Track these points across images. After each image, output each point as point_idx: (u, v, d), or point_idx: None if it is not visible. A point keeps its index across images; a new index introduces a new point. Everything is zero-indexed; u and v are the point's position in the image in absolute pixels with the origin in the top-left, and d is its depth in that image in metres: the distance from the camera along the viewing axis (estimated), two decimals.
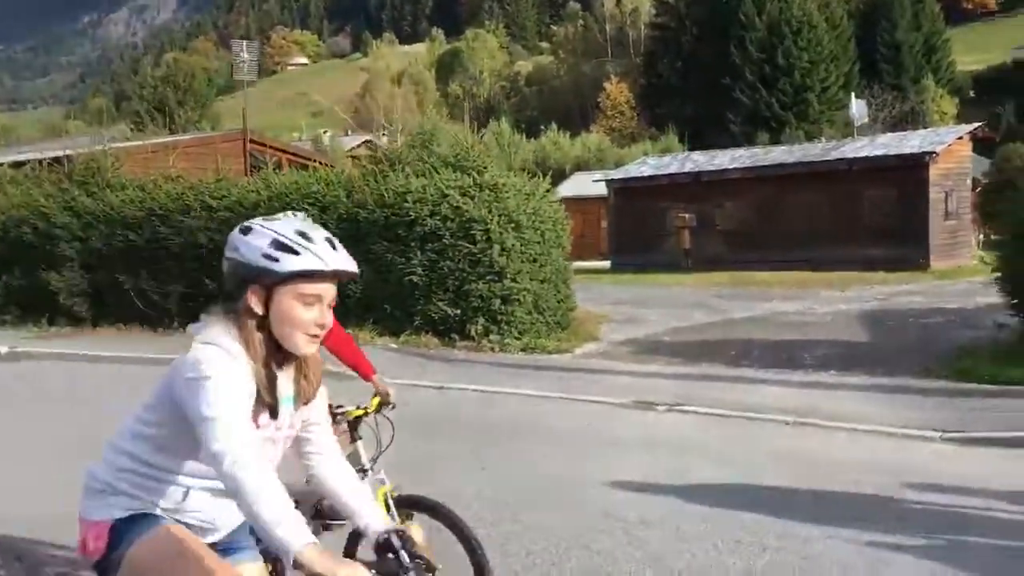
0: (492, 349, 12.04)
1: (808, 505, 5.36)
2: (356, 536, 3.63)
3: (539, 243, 12.70)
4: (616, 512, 5.22)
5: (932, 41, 65.06)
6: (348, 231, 13.29)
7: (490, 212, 12.32)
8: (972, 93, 67.57)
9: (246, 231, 2.14)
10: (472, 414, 8.42)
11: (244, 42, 33.15)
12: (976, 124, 30.11)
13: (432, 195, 12.65)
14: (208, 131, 36.97)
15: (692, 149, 41.92)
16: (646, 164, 33.11)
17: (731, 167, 28.41)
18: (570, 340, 12.58)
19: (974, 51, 75.35)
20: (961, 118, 52.72)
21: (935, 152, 24.49)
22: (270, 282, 2.08)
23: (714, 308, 16.73)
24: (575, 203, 34.99)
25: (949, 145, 25.43)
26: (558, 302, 13.08)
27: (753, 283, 21.37)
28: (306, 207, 13.70)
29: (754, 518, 5.10)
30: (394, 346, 12.33)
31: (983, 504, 5.37)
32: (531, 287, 12.48)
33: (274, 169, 16.37)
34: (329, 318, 2.13)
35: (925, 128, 36.77)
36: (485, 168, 13.20)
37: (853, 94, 37.84)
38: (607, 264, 29.39)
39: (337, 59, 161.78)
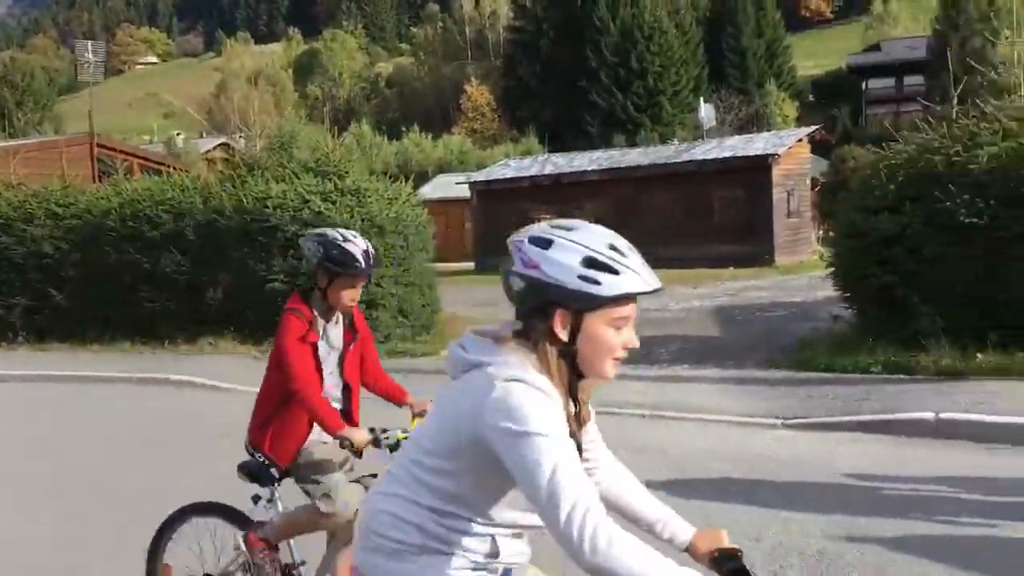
0: None
1: (661, 493, 5.67)
2: None
3: (403, 247, 12.78)
4: None
5: (774, 47, 68.51)
6: (206, 238, 13.02)
7: (352, 217, 12.31)
8: (811, 97, 71.48)
9: (545, 244, 1.83)
10: None
11: (89, 42, 31.67)
12: (814, 127, 32.07)
13: (293, 201, 12.54)
14: (51, 134, 35.13)
15: (552, 151, 42.78)
16: (508, 166, 33.59)
17: (590, 169, 29.20)
18: (436, 343, 12.69)
19: (812, 57, 79.76)
20: (802, 121, 55.76)
21: (777, 154, 25.94)
22: (583, 307, 1.80)
23: None
24: (438, 205, 35.18)
25: (790, 147, 26.97)
26: (423, 306, 13.19)
27: None
28: (161, 214, 13.34)
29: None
30: (256, 355, 12.13)
31: (821, 481, 5.84)
32: (395, 291, 12.54)
33: (125, 175, 15.80)
34: (636, 337, 1.89)
35: (769, 130, 38.78)
36: (347, 173, 13.18)
37: (702, 99, 39.54)
38: (472, 265, 29.65)
39: (189, 58, 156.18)
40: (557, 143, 51.52)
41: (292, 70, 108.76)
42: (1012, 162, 8.37)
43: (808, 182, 29.33)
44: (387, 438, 3.41)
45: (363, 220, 12.36)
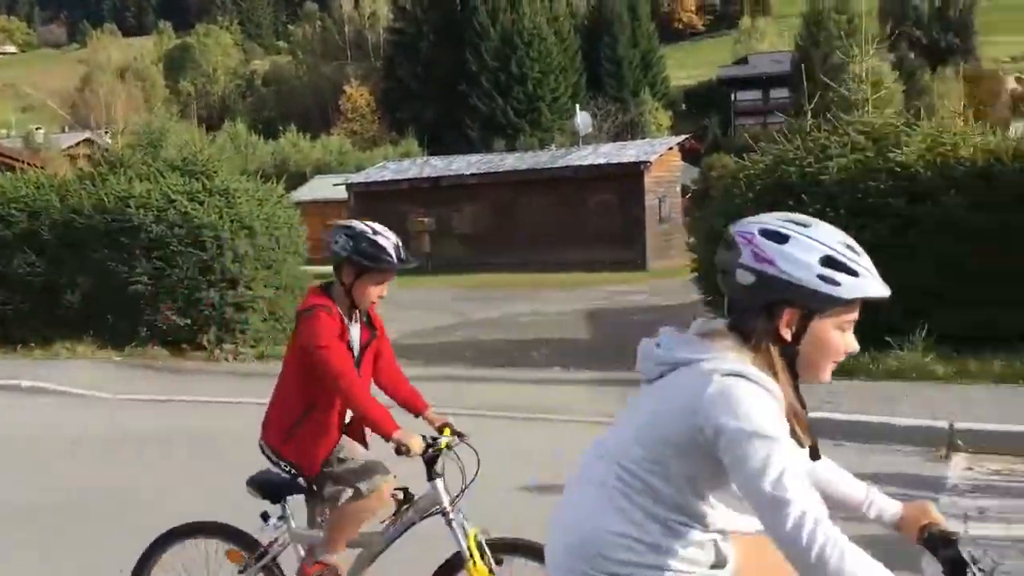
0: (226, 359, 11.77)
1: (531, 496, 5.76)
2: (450, 565, 3.30)
3: (274, 249, 12.55)
4: None
5: (649, 58, 70.42)
6: (63, 238, 12.49)
7: (221, 218, 12.05)
8: (684, 107, 73.83)
9: (781, 239, 1.74)
10: (203, 426, 8.20)
11: None
12: (684, 136, 33.18)
13: (157, 200, 12.17)
14: None
15: (432, 153, 42.78)
16: (386, 168, 33.36)
17: (468, 172, 29.32)
18: None
19: (685, 68, 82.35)
20: (675, 130, 57.44)
21: (649, 161, 26.69)
22: (817, 307, 1.73)
23: (453, 310, 17.21)
24: (316, 206, 34.57)
25: (661, 155, 27.79)
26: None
27: (490, 285, 22.18)
28: (14, 212, 12.71)
29: (483, 511, 5.40)
30: (117, 359, 11.71)
31: None
32: (266, 294, 12.31)
33: None
34: (855, 342, 1.81)
35: (644, 138, 39.86)
36: (215, 172, 12.87)
37: (578, 106, 40.27)
38: None
39: (51, 49, 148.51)
40: (437, 146, 51.51)
41: (163, 65, 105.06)
42: (859, 174, 8.87)
43: (679, 189, 30.27)
44: (435, 446, 3.25)
45: (232, 221, 12.09)
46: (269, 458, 3.46)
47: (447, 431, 3.36)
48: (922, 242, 8.57)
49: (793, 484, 1.60)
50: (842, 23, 50.32)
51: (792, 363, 1.77)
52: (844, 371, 8.45)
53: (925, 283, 8.48)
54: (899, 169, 8.75)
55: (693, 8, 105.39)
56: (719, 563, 1.86)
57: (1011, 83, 63.00)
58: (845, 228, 6.94)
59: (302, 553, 3.45)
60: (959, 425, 6.65)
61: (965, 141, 8.77)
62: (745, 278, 1.75)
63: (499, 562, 3.20)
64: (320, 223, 34.35)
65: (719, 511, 1.83)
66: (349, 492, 3.41)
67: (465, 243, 28.08)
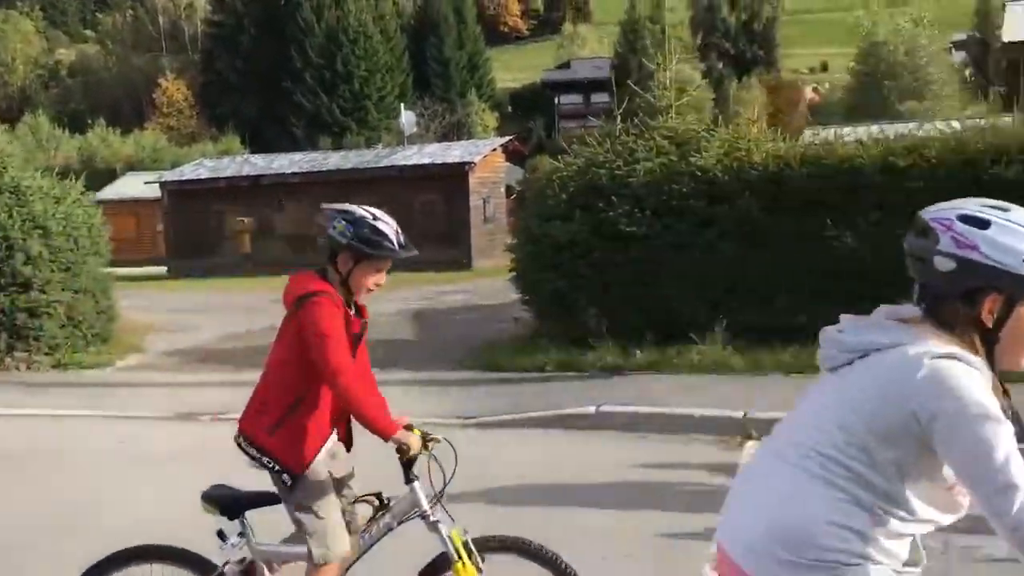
0: (17, 368, 11.01)
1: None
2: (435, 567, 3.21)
3: (72, 251, 11.82)
4: (143, 530, 5.08)
5: (475, 59, 71.20)
6: None
7: (11, 217, 11.26)
8: (510, 109, 75.01)
9: (983, 224, 1.70)
10: None
11: None
12: (508, 137, 33.66)
13: None
14: None
15: (254, 150, 41.56)
16: (203, 166, 32.09)
17: (291, 171, 28.66)
18: (111, 353, 11.87)
19: (511, 71, 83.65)
20: (501, 131, 58.22)
21: (473, 162, 26.95)
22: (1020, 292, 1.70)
23: (271, 313, 16.59)
24: (126, 205, 32.90)
25: (486, 156, 28.13)
26: (97, 313, 12.25)
27: None
28: None
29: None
30: None
31: (499, 476, 6.11)
32: (64, 298, 11.57)
33: None
34: None
35: (470, 139, 40.21)
36: (4, 168, 11.98)
37: (403, 106, 40.19)
38: (164, 270, 27.97)
39: None
40: (260, 143, 50.08)
41: None
42: (664, 176, 9.27)
43: (503, 190, 30.72)
44: (434, 443, 3.18)
45: (24, 221, 11.32)
46: (248, 452, 3.21)
47: (417, 431, 3.26)
48: (721, 241, 9.05)
49: (1018, 468, 1.62)
50: (656, 32, 52.63)
51: (991, 350, 1.76)
52: (652, 366, 8.85)
53: (724, 281, 8.97)
54: (699, 172, 9.20)
55: (518, 12, 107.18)
56: (913, 561, 1.82)
57: (808, 93, 67.71)
58: (650, 228, 7.17)
59: (264, 571, 3.23)
60: (753, 414, 7.07)
61: (758, 147, 9.32)
62: (945, 265, 1.73)
63: (482, 559, 3.20)
64: (132, 223, 32.81)
65: (925, 502, 1.78)
66: (309, 519, 3.15)
67: (289, 244, 27.40)
